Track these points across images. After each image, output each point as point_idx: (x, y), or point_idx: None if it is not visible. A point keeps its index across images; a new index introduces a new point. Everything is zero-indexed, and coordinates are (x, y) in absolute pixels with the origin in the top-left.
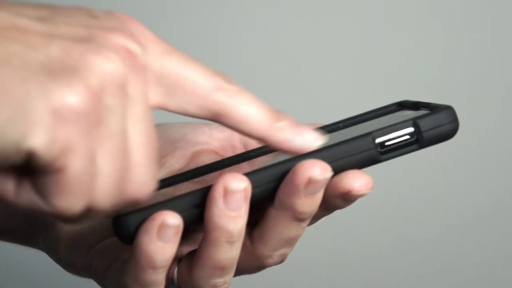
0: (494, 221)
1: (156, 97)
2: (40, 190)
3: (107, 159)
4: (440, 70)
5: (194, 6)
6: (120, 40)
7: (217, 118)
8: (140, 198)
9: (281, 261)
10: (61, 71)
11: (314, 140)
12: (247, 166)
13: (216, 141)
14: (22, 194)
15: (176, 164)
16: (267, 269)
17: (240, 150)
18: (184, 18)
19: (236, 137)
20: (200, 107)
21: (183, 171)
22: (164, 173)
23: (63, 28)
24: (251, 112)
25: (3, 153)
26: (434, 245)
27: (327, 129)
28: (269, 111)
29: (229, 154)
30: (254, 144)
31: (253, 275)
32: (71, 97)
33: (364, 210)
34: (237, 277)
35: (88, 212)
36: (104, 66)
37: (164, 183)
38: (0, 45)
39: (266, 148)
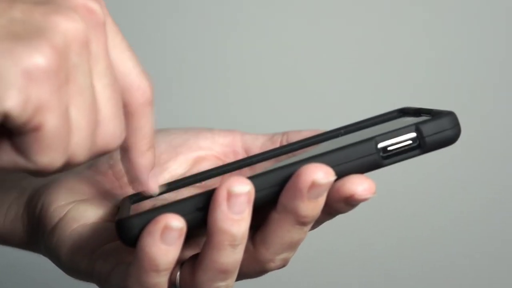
0: (494, 221)
1: None
2: (21, 149)
3: (79, 113)
4: (442, 72)
5: (194, 6)
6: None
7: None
8: (110, 149)
9: (283, 265)
10: (26, 34)
11: (155, 186)
12: (249, 171)
13: (218, 147)
14: (3, 156)
15: (179, 169)
16: (268, 273)
17: (242, 155)
18: (184, 18)
19: (238, 143)
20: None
21: (185, 176)
22: (167, 177)
23: None
24: (145, 127)
25: None
26: (434, 245)
27: (330, 134)
28: (152, 139)
29: (231, 159)
30: (256, 150)
31: (255, 279)
32: (39, 57)
33: (364, 210)
34: (239, 281)
35: (65, 165)
36: (67, 25)
37: (167, 187)
38: None
39: (268, 154)
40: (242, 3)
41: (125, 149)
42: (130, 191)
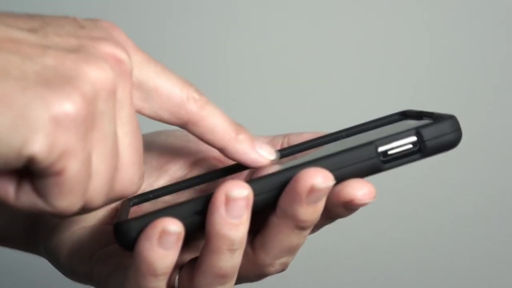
0: (494, 222)
1: (134, 101)
2: (41, 192)
3: (100, 159)
4: (443, 73)
5: (194, 7)
6: (108, 48)
7: (187, 126)
8: (128, 195)
9: (283, 270)
10: (57, 81)
11: (268, 154)
12: (249, 174)
13: None
14: (23, 197)
15: (178, 171)
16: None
17: None
18: (183, 19)
19: None
20: (173, 114)
21: (185, 178)
22: (166, 180)
23: (54, 38)
24: (218, 123)
25: (5, 158)
26: (434, 245)
27: (330, 137)
28: (232, 124)
29: (231, 162)
30: None
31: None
32: (68, 105)
33: (363, 211)
34: (238, 285)
35: (82, 209)
36: (96, 74)
37: (166, 190)
38: (0, 56)
39: None
40: (242, 4)
41: (221, 151)
42: None
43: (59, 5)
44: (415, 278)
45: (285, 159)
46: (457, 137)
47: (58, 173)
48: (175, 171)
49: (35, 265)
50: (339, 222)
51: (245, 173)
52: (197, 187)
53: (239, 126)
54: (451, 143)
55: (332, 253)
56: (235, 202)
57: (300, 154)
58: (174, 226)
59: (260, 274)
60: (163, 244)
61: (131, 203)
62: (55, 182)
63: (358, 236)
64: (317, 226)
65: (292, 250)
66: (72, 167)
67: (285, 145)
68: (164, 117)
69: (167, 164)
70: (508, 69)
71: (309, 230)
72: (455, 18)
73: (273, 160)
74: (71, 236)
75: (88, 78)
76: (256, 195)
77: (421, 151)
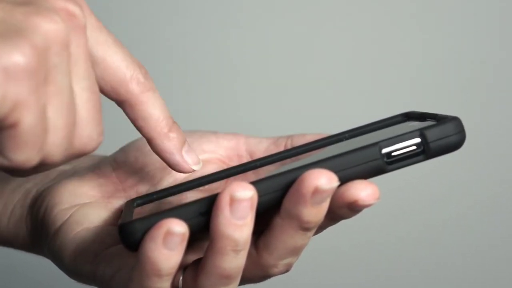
0: (494, 221)
1: None
2: None
3: (56, 113)
4: (445, 74)
5: (194, 7)
6: (60, 2)
7: (122, 105)
8: (87, 151)
9: (287, 271)
10: (6, 32)
11: (192, 162)
12: (253, 175)
13: (223, 150)
14: None
15: None
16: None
17: (246, 159)
18: (188, 19)
19: (242, 146)
20: (113, 89)
21: (189, 179)
22: (170, 181)
23: None
24: (154, 112)
25: None
26: (434, 245)
27: (334, 138)
28: (168, 119)
29: (235, 163)
30: (260, 154)
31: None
32: (18, 55)
33: (365, 210)
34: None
35: (42, 165)
36: (47, 26)
37: (170, 191)
38: None
39: (272, 158)
40: (247, 7)
41: (148, 141)
42: (133, 194)
43: None
44: (417, 278)
45: (288, 160)
46: (461, 139)
47: (12, 126)
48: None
49: (40, 265)
50: (343, 223)
51: (250, 174)
52: (201, 188)
53: (174, 124)
54: (455, 144)
55: (335, 254)
56: (239, 203)
57: (303, 155)
58: (178, 227)
59: (264, 275)
60: (168, 244)
61: (135, 204)
62: (9, 134)
63: (361, 237)
64: (321, 227)
65: (296, 251)
66: (26, 120)
67: (289, 146)
68: (104, 89)
69: None
70: (508, 69)
71: (313, 231)
72: (455, 18)
73: (194, 170)
74: (74, 237)
75: (39, 30)
76: (260, 196)
77: (425, 152)
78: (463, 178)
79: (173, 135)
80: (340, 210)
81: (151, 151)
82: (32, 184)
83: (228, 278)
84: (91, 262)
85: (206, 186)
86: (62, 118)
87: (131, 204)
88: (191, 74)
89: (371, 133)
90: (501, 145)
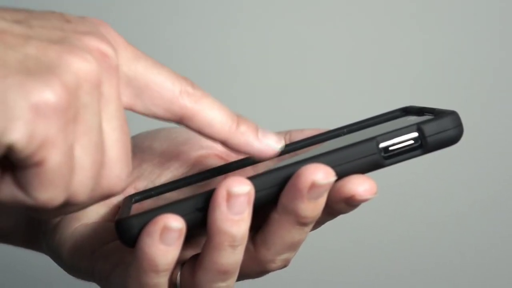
0: (494, 221)
1: (125, 98)
2: (22, 184)
3: (84, 153)
4: (445, 70)
5: (194, 7)
6: (93, 42)
7: (182, 121)
8: (115, 192)
9: (284, 266)
10: (39, 70)
11: (274, 144)
12: (251, 170)
13: (221, 146)
14: (3, 189)
15: (180, 168)
16: (269, 274)
17: (244, 154)
18: (187, 18)
19: None
20: (167, 110)
21: (187, 175)
22: (168, 177)
23: (39, 30)
24: (215, 116)
25: None
26: (433, 245)
27: (332, 133)
28: (231, 115)
29: (233, 158)
30: None
31: (256, 279)
32: (49, 93)
33: (363, 208)
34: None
35: (66, 205)
36: (79, 65)
37: (168, 187)
38: None
39: None
40: (245, 4)
41: (224, 144)
42: (132, 190)
43: (59, 5)
44: (415, 277)
45: (286, 155)
46: (459, 133)
47: (38, 164)
48: (177, 168)
49: (38, 262)
50: (339, 220)
51: (248, 169)
52: (200, 184)
53: (240, 118)
54: (453, 138)
55: (333, 250)
56: (236, 198)
57: (301, 150)
58: (175, 223)
59: (261, 271)
60: (165, 240)
61: (133, 200)
62: (35, 173)
63: (359, 234)
64: (318, 222)
65: (293, 246)
66: (53, 158)
67: (287, 142)
68: (158, 113)
69: (169, 161)
70: (507, 66)
71: (310, 226)
72: (454, 16)
73: (281, 149)
74: (73, 233)
75: (71, 68)
76: (257, 191)
77: (422, 146)
78: (463, 176)
79: (243, 128)
80: (337, 205)
81: (149, 147)
82: None
83: (225, 273)
84: (89, 258)
85: (205, 182)
86: (89, 158)
87: (129, 200)
88: (190, 74)
89: (369, 128)
90: (501, 143)
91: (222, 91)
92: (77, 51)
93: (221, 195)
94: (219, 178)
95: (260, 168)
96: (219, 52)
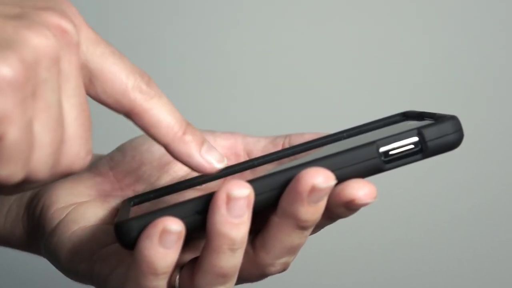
0: (493, 222)
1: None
2: None
3: (43, 129)
4: (445, 74)
5: (194, 7)
6: (53, 17)
7: (129, 116)
8: (74, 170)
9: (284, 270)
10: None
11: (215, 161)
12: (251, 174)
13: (220, 149)
14: None
15: (180, 171)
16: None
17: (243, 158)
18: (186, 19)
19: (240, 145)
20: (116, 101)
21: (186, 178)
22: (167, 180)
23: None
24: (163, 118)
25: None
26: (433, 245)
27: (332, 138)
28: (180, 122)
29: (232, 162)
30: (258, 153)
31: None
32: (5, 68)
33: (363, 211)
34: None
35: (26, 182)
36: (38, 40)
37: (167, 190)
38: None
39: (270, 157)
40: (244, 5)
41: (165, 148)
42: (130, 193)
43: None
44: (413, 278)
45: (286, 159)
46: (459, 138)
47: None
48: (176, 171)
49: (36, 265)
50: (340, 223)
51: (247, 173)
52: (198, 187)
53: (189, 126)
54: (453, 143)
55: (332, 254)
56: (236, 201)
57: (301, 154)
58: (175, 225)
59: (261, 274)
60: (164, 243)
61: (132, 203)
62: None
63: (359, 238)
64: (318, 226)
65: (293, 250)
66: (11, 134)
67: (287, 146)
68: (107, 102)
69: (169, 164)
70: (507, 69)
71: (310, 230)
72: (455, 19)
73: (219, 169)
74: (71, 236)
75: (29, 44)
76: (257, 194)
77: (422, 151)
78: (463, 179)
79: (188, 137)
80: (337, 209)
81: (148, 150)
82: None
83: (224, 276)
84: (88, 261)
85: (204, 185)
86: (49, 134)
87: (128, 203)
88: (189, 74)
89: (369, 133)
90: (502, 147)
91: (221, 92)
92: (36, 27)
93: (221, 198)
94: (218, 181)
95: (260, 172)
96: (219, 52)
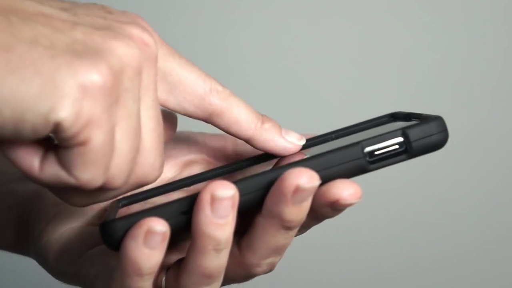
0: (491, 221)
1: (159, 92)
2: (65, 163)
3: (123, 137)
4: (442, 74)
5: (194, 7)
6: (135, 31)
7: (211, 118)
8: (149, 181)
9: (270, 270)
10: (86, 52)
11: (296, 140)
12: (240, 175)
13: (209, 150)
14: (47, 168)
15: (168, 172)
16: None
17: (233, 159)
18: (183, 18)
19: (230, 147)
20: (197, 107)
21: (175, 179)
22: (157, 181)
23: (84, 17)
24: (242, 113)
25: (32, 125)
26: (432, 245)
27: (319, 139)
28: (256, 114)
29: (222, 163)
30: (247, 154)
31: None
32: (95, 74)
33: (359, 210)
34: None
35: (103, 189)
36: (124, 50)
37: (156, 191)
38: (30, 26)
39: (259, 158)
40: (241, 4)
41: (249, 141)
42: None
43: None
44: (413, 278)
45: (275, 160)
46: (444, 138)
47: (82, 143)
48: (165, 173)
49: (24, 267)
50: (334, 221)
51: (236, 174)
52: (187, 189)
53: (264, 116)
54: (438, 143)
55: (321, 253)
56: (220, 202)
57: (289, 156)
58: (159, 226)
59: (247, 275)
60: (149, 243)
61: (120, 204)
62: (79, 152)
63: (351, 236)
64: (304, 227)
65: (278, 250)
66: (97, 138)
67: None
68: (189, 110)
69: None
70: (508, 69)
71: (295, 230)
72: (454, 19)
73: (302, 145)
74: (59, 237)
75: (116, 53)
76: (242, 195)
77: (407, 151)
78: (462, 179)
79: (267, 124)
80: (322, 209)
81: None
82: (17, 184)
83: (209, 277)
84: (75, 263)
85: (192, 187)
86: (128, 142)
87: (116, 204)
88: None
89: (356, 133)
90: (502, 147)
91: None
92: (121, 37)
93: (205, 199)
94: (206, 183)
95: (249, 173)
96: (217, 52)
